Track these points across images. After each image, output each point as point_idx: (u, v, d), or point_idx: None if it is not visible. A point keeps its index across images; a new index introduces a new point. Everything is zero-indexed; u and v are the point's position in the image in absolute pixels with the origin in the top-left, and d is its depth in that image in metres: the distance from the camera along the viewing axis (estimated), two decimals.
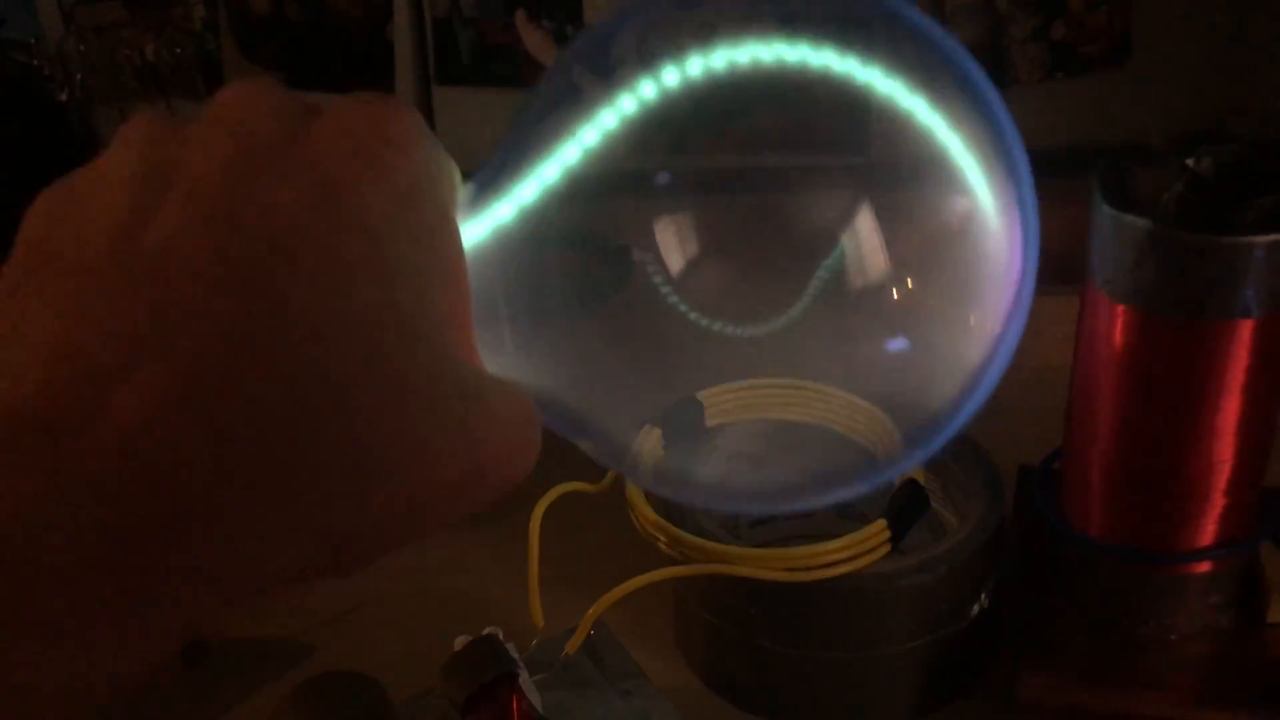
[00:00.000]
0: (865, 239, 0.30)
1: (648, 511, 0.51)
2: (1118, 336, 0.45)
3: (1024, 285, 0.32)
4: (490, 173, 0.25)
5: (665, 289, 0.30)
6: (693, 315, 0.31)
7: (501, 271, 0.25)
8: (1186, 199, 0.45)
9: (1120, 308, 0.45)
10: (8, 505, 0.16)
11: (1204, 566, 0.49)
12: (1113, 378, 0.46)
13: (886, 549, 0.48)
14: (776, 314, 0.32)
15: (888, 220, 0.30)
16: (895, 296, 0.31)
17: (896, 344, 0.34)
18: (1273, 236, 0.41)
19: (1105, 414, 0.47)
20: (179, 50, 0.99)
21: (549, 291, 0.28)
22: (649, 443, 0.42)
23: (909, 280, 0.31)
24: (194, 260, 0.18)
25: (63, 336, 0.17)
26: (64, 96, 1.01)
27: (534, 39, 1.01)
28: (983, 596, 0.51)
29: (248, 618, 0.60)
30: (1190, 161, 0.45)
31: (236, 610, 0.18)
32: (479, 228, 0.25)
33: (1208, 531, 0.48)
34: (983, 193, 0.30)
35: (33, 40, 0.98)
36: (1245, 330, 0.43)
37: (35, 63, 0.99)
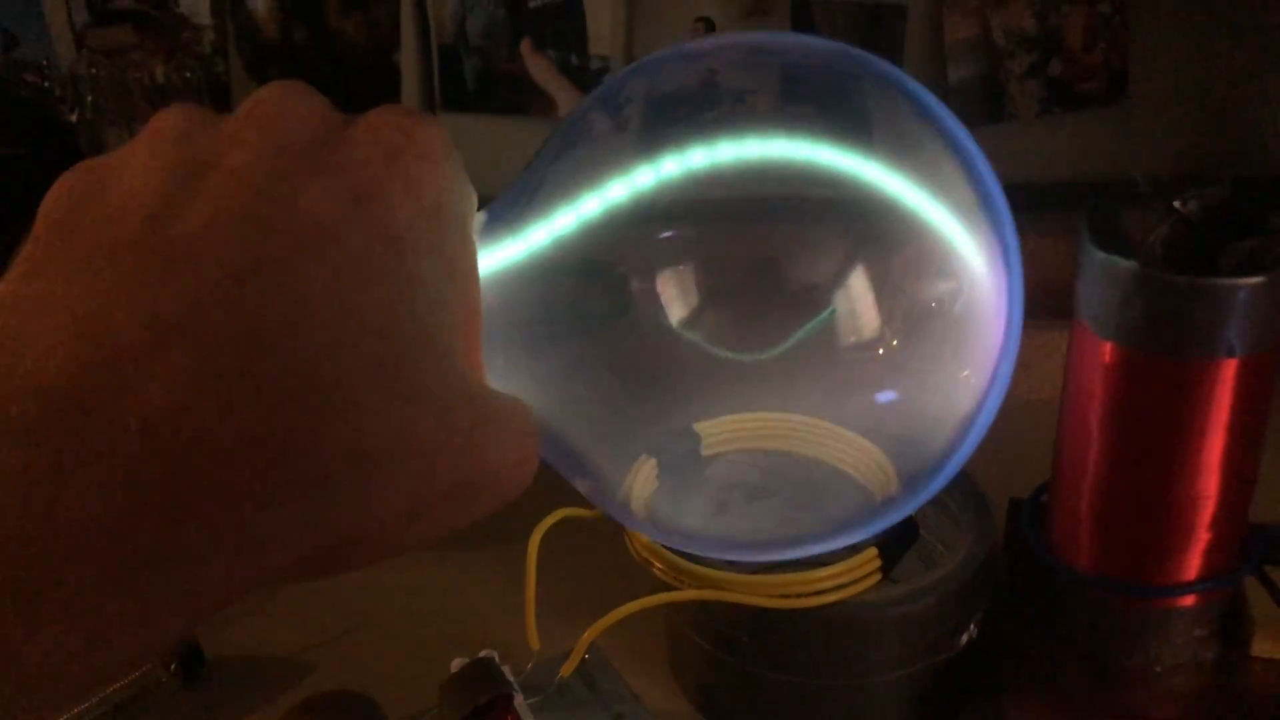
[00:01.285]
0: (857, 298, 0.31)
1: (642, 537, 0.52)
2: (1104, 373, 0.46)
3: (1010, 340, 0.33)
4: (505, 204, 0.26)
5: (663, 323, 0.31)
6: (690, 350, 0.32)
7: (506, 299, 0.26)
8: (1172, 240, 0.46)
9: (1107, 345, 0.46)
10: (31, 479, 0.16)
11: (1189, 600, 0.50)
12: (1099, 413, 0.47)
13: (877, 578, 0.49)
14: (771, 353, 0.33)
15: (879, 282, 0.31)
16: (883, 352, 0.32)
17: (886, 396, 0.35)
18: (1255, 279, 0.42)
19: (1092, 449, 0.48)
20: (189, 74, 1.01)
21: (549, 319, 0.28)
22: (644, 473, 0.43)
23: (898, 338, 0.32)
24: (223, 253, 0.18)
25: (91, 316, 0.18)
26: (74, 118, 1.02)
27: (538, 67, 1.02)
28: (972, 626, 0.52)
29: (246, 636, 0.60)
30: (1176, 204, 0.46)
31: (238, 601, 0.19)
32: (490, 255, 0.26)
33: (1193, 565, 0.49)
34: (971, 256, 0.31)
35: (44, 62, 1.00)
36: (1229, 370, 0.44)
37: (47, 84, 1.00)
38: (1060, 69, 1.06)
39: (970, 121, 0.30)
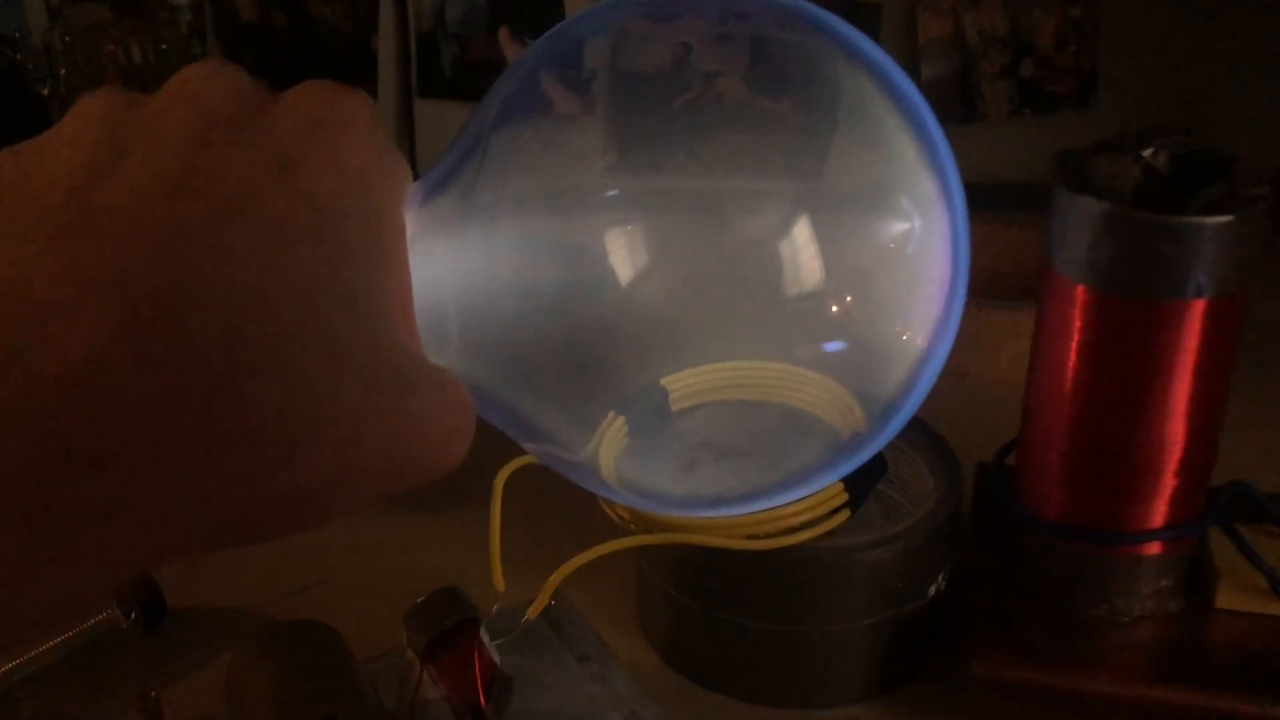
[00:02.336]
0: (804, 247, 0.32)
1: None
2: (1075, 317, 0.47)
3: (958, 272, 0.34)
4: (442, 173, 0.26)
5: (615, 282, 0.31)
6: (646, 307, 0.32)
7: (451, 269, 0.26)
8: (1141, 188, 0.46)
9: (1078, 288, 0.46)
10: None
11: (1154, 548, 0.50)
12: (1070, 357, 0.48)
13: (846, 514, 0.49)
14: (726, 305, 0.34)
15: (827, 229, 0.31)
16: (839, 298, 0.32)
17: (842, 338, 0.36)
18: (1223, 218, 0.43)
19: (1061, 393, 0.49)
20: (164, 48, 1.00)
21: (499, 288, 0.28)
22: (612, 432, 0.42)
23: (852, 283, 0.32)
24: (146, 216, 0.18)
25: (10, 278, 0.18)
26: (46, 91, 1.01)
27: (515, 55, 1.03)
28: (940, 578, 0.52)
29: (209, 587, 0.59)
30: (1145, 153, 0.47)
31: (164, 562, 0.19)
32: (432, 226, 0.25)
33: (1159, 513, 0.49)
34: (918, 198, 0.32)
35: (17, 34, 0.99)
36: (1197, 310, 0.45)
37: (19, 56, 0.99)
38: (1032, 71, 1.08)
39: (942, 121, 0.30)
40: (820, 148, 0.32)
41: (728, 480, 0.45)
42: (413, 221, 0.24)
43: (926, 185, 0.34)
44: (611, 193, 0.30)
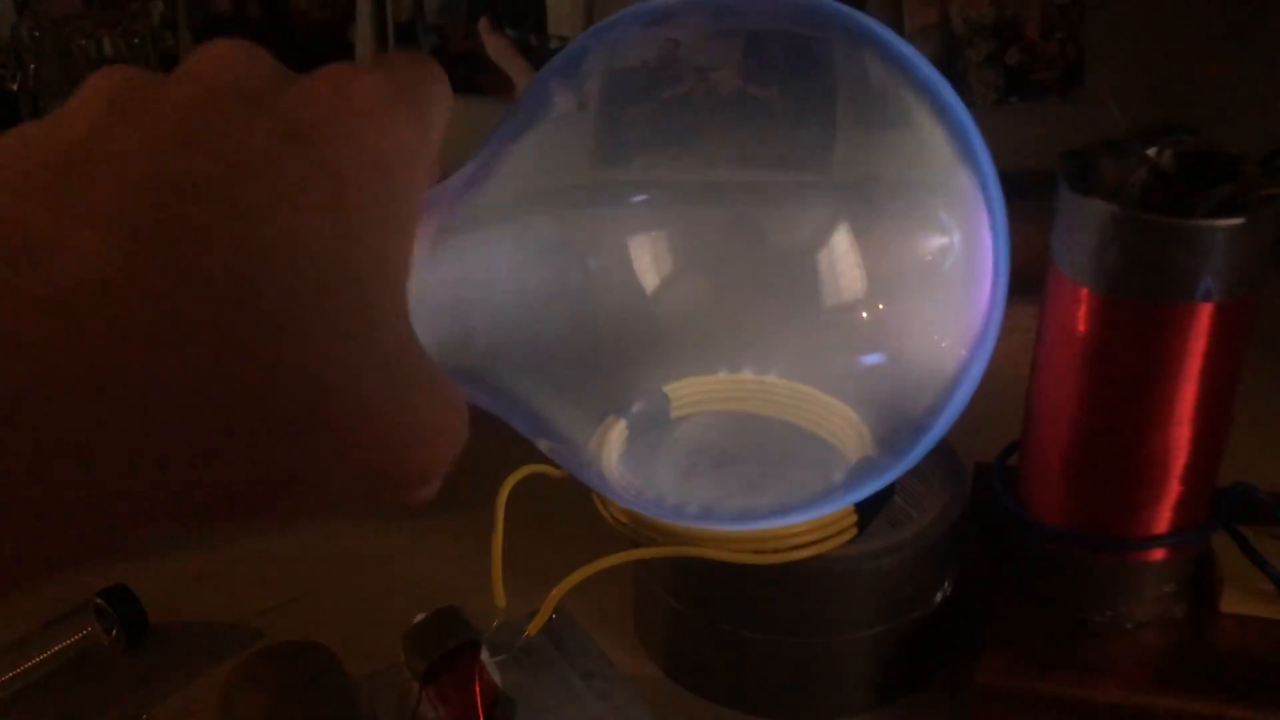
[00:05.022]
0: (840, 258, 0.31)
1: None
2: (1080, 320, 0.46)
3: (997, 294, 0.33)
4: (466, 175, 0.26)
5: (636, 287, 0.30)
6: (663, 315, 0.31)
7: (475, 269, 0.25)
8: (1148, 188, 0.46)
9: (1084, 291, 0.45)
10: None
11: (1159, 554, 0.50)
12: (1074, 361, 0.47)
13: (853, 533, 0.48)
14: (748, 316, 0.33)
15: (862, 240, 0.30)
16: (866, 314, 0.31)
17: (870, 358, 0.35)
18: (1234, 220, 0.42)
19: (1066, 398, 0.48)
20: (137, 41, 0.98)
21: (514, 290, 0.28)
22: (613, 435, 0.41)
23: (882, 298, 0.32)
24: (156, 166, 0.18)
25: (5, 216, 0.17)
26: (15, 86, 0.99)
27: (497, 47, 1.01)
28: (946, 585, 0.51)
29: (193, 601, 0.58)
30: (1151, 152, 0.46)
31: (168, 523, 0.18)
32: (454, 225, 0.25)
33: (1163, 519, 0.49)
34: (956, 214, 0.31)
35: None
36: (1204, 314, 0.44)
37: None
38: (1018, 58, 1.07)
39: None
40: (853, 143, 0.31)
41: (726, 486, 0.44)
42: (437, 221, 0.23)
43: (961, 182, 0.32)
44: (639, 197, 0.30)
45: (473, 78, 1.00)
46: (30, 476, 0.16)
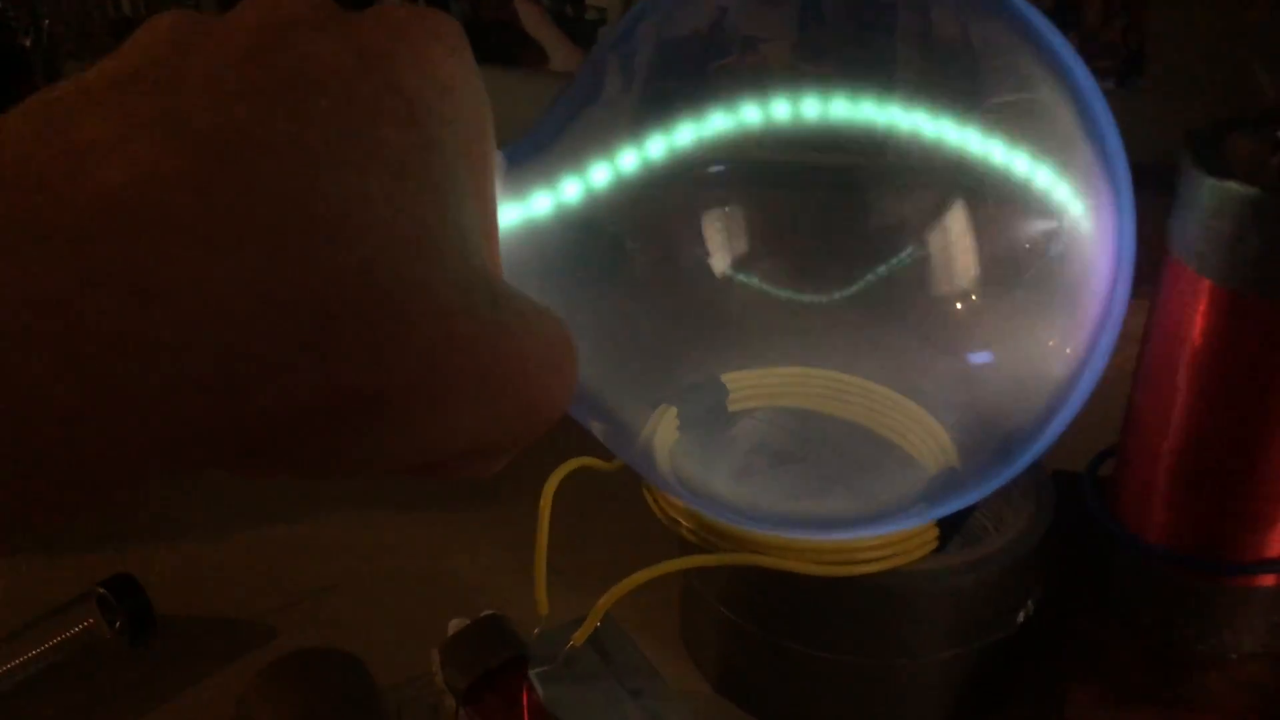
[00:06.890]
0: (934, 244, 0.29)
1: (668, 494, 0.46)
2: (1201, 319, 0.41)
3: (1118, 289, 0.30)
4: (526, 149, 0.25)
5: (708, 264, 0.29)
6: (734, 295, 0.30)
7: (530, 240, 0.25)
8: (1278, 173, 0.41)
9: (1206, 283, 0.41)
10: None
11: (1270, 580, 0.45)
12: (1190, 363, 0.42)
13: (933, 546, 0.44)
14: (834, 297, 0.30)
15: (960, 225, 0.28)
16: (960, 308, 0.29)
17: (972, 356, 0.32)
18: None
19: (1177, 405, 0.43)
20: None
21: (576, 264, 0.27)
22: (665, 422, 0.37)
23: (985, 290, 0.29)
24: (216, 73, 0.17)
25: (54, 119, 0.16)
26: (29, 43, 0.95)
27: (530, 16, 0.97)
28: (1029, 605, 0.47)
29: (203, 595, 0.54)
30: None
31: (225, 444, 0.16)
32: (515, 194, 0.25)
33: (1277, 541, 0.44)
34: (1074, 191, 0.29)
35: None
36: None
37: (1, 5, 0.93)
38: (1078, 45, 1.03)
39: None
40: (972, 119, 0.28)
41: (787, 490, 0.40)
42: (500, 185, 0.22)
43: (1084, 157, 0.29)
44: (712, 171, 0.28)
45: (505, 48, 0.97)
46: (68, 379, 0.14)
